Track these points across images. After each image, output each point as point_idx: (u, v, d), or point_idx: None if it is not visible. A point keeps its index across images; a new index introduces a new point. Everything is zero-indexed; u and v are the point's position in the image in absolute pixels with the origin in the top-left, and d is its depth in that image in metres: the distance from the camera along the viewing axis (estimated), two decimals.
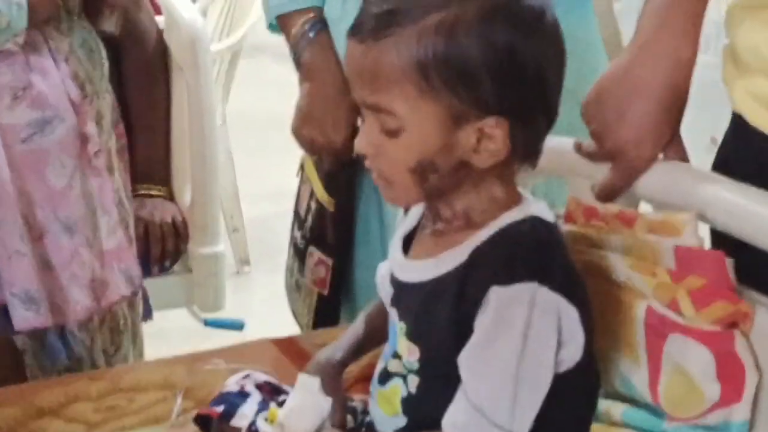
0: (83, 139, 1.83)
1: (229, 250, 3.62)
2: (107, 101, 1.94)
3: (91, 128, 1.85)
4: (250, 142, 4.30)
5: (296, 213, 2.00)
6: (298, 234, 1.98)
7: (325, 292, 1.90)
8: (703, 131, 3.13)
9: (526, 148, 1.09)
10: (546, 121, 1.10)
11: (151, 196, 2.21)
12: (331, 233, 1.89)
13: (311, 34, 1.84)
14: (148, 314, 2.13)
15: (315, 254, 1.91)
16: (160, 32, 2.27)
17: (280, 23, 1.89)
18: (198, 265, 2.34)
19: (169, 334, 2.37)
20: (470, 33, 1.04)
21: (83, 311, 1.83)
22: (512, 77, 1.05)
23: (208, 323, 2.55)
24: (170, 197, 2.30)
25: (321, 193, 1.88)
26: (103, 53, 1.93)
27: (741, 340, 1.08)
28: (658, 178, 1.22)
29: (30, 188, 1.80)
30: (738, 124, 1.28)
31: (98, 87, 1.89)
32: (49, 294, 1.80)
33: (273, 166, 4.19)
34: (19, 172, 1.78)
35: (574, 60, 1.67)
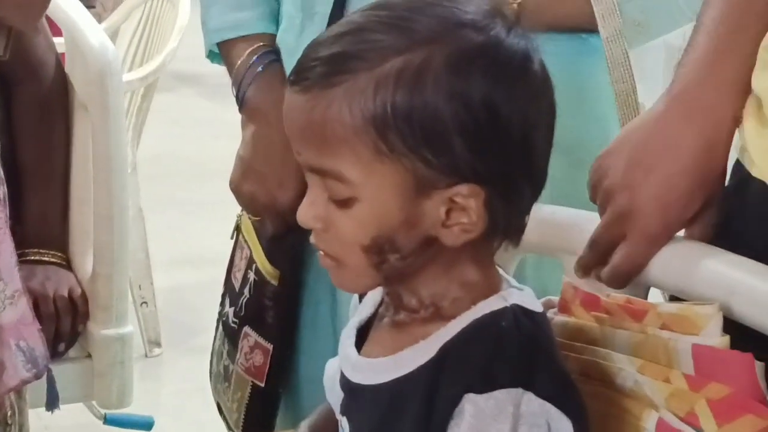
0: None
1: (137, 327, 3.61)
2: None
3: None
4: (164, 194, 4.27)
5: (228, 284, 1.99)
6: (230, 310, 1.96)
7: (262, 384, 1.88)
8: None
9: (507, 222, 1.09)
10: (531, 189, 1.11)
11: (43, 262, 2.19)
12: (272, 312, 1.87)
13: (260, 68, 1.85)
14: (53, 403, 2.12)
15: (251, 336, 1.89)
16: (59, 60, 2.27)
17: (223, 51, 1.91)
18: (99, 350, 2.32)
19: None
20: (439, 83, 1.04)
21: None
22: (490, 138, 1.05)
23: (108, 421, 2.53)
24: (67, 265, 2.29)
25: (262, 262, 1.88)
26: None
27: None
28: (675, 260, 1.23)
29: None
30: (751, 185, 1.28)
31: None
32: None
33: (193, 225, 4.20)
34: None
35: (575, 114, 1.71)
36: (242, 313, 1.92)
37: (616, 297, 1.23)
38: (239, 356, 1.91)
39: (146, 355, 3.66)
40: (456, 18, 1.06)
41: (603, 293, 1.25)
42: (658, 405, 1.16)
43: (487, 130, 1.04)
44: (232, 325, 1.94)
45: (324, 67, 1.06)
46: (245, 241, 1.94)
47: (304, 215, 1.09)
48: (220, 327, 2.00)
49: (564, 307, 1.28)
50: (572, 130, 1.72)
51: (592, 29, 1.71)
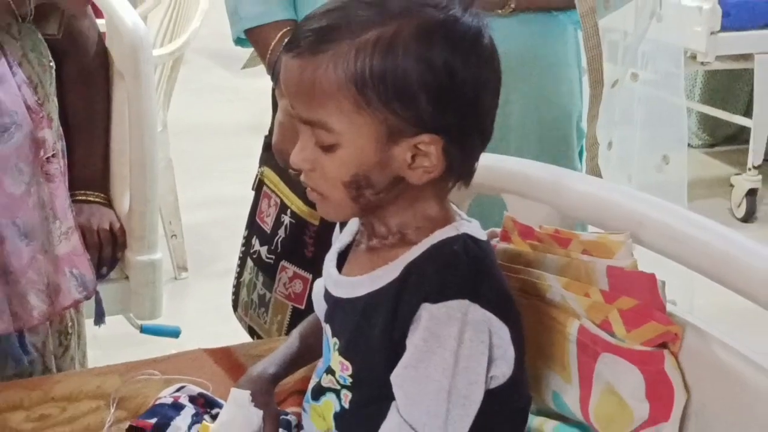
0: (38, 144, 1.81)
1: (167, 256, 3.60)
2: (54, 104, 1.92)
3: (45, 133, 1.83)
4: (189, 148, 4.23)
5: (254, 227, 1.98)
6: (262, 249, 1.95)
7: (302, 306, 1.86)
8: (654, 150, 3.11)
9: (460, 166, 1.10)
10: (481, 141, 1.11)
11: (89, 201, 2.17)
12: (312, 248, 1.85)
13: None
14: (100, 318, 2.11)
15: (290, 269, 1.88)
16: (101, 37, 2.25)
17: (252, 37, 1.88)
18: (135, 273, 2.30)
19: (104, 340, 2.33)
20: (408, 50, 1.04)
21: (40, 316, 1.81)
22: (448, 96, 1.05)
23: (144, 330, 2.52)
24: (108, 204, 2.27)
25: (302, 208, 1.85)
26: (50, 56, 1.90)
27: (670, 360, 1.09)
28: (593, 198, 1.23)
29: None
30: None
31: (48, 90, 1.87)
32: (9, 301, 1.79)
33: (212, 174, 4.18)
34: None
35: (546, 75, 1.76)
36: (278, 250, 1.90)
37: (546, 228, 1.24)
38: (277, 286, 1.90)
39: (175, 278, 3.66)
40: None
41: (536, 226, 1.26)
42: (579, 315, 1.17)
43: (445, 89, 1.04)
44: (267, 260, 1.92)
45: (314, 37, 1.06)
46: (272, 191, 1.92)
47: (295, 158, 1.10)
48: (250, 263, 1.99)
49: (504, 237, 1.29)
50: (544, 89, 1.77)
51: (566, 7, 1.72)
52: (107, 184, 2.29)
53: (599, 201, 1.23)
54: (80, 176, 2.15)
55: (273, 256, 1.91)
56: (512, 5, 1.68)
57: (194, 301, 3.55)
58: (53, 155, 1.85)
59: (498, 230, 1.30)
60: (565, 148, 1.80)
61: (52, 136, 1.86)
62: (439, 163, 1.06)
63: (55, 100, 1.91)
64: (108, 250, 2.21)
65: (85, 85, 2.16)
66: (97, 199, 2.20)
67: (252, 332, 1.99)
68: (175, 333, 2.64)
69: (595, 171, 1.75)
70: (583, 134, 1.82)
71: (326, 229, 1.76)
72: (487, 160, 1.15)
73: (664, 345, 1.10)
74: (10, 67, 1.78)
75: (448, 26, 1.06)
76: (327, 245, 1.79)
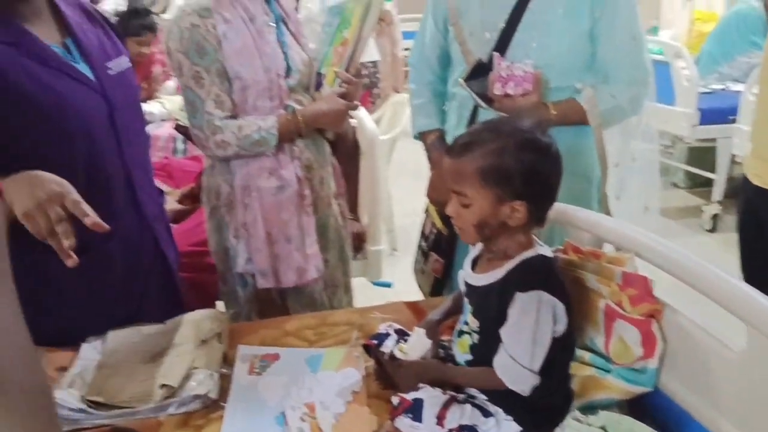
0: (301, 196, 1.65)
1: (386, 242, 3.66)
2: (328, 170, 1.77)
3: (306, 191, 1.66)
4: (401, 185, 4.28)
5: (422, 231, 1.94)
6: (423, 243, 1.92)
7: (439, 276, 1.84)
8: (640, 199, 3.08)
9: (537, 218, 1.08)
10: (549, 203, 1.08)
11: (351, 219, 2.14)
12: (444, 246, 1.82)
13: (437, 144, 1.76)
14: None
15: (434, 256, 1.85)
16: (354, 131, 2.27)
17: (421, 136, 1.81)
18: (370, 255, 2.38)
19: (355, 290, 2.37)
20: (511, 155, 1.02)
21: (290, 282, 1.68)
22: (533, 181, 1.03)
23: (374, 284, 2.58)
24: (357, 219, 2.32)
25: (440, 225, 1.82)
26: (325, 145, 1.77)
27: (656, 324, 1.07)
28: (614, 230, 1.21)
29: (274, 228, 1.64)
30: None
31: (321, 163, 1.72)
32: (275, 272, 1.68)
33: (411, 198, 4.22)
34: (267, 217, 1.63)
35: (577, 159, 1.65)
36: (431, 245, 1.87)
37: (588, 248, 1.22)
38: (429, 264, 1.87)
39: (391, 254, 3.64)
40: (518, 126, 1.07)
41: (582, 246, 1.24)
42: (605, 297, 1.15)
43: (531, 177, 1.03)
44: (425, 249, 1.90)
45: (460, 147, 1.06)
46: (430, 214, 1.88)
47: (449, 210, 1.09)
48: (418, 249, 1.93)
49: (564, 252, 1.26)
50: (576, 166, 1.67)
51: (586, 123, 1.61)
52: (357, 208, 2.34)
53: (616, 232, 1.20)
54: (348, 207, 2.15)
55: (427, 247, 1.88)
56: (553, 123, 1.53)
57: (401, 269, 3.55)
58: (309, 202, 1.70)
59: (560, 248, 1.28)
60: (588, 199, 1.69)
61: (322, 186, 1.76)
62: (525, 216, 1.05)
63: (331, 166, 1.81)
64: (359, 243, 2.28)
65: (348, 157, 2.18)
66: (352, 217, 2.22)
67: (420, 287, 1.96)
68: (388, 285, 2.70)
69: (607, 213, 1.68)
70: (599, 190, 1.71)
71: (451, 238, 1.79)
72: (555, 207, 1.12)
73: (652, 315, 1.08)
74: (291, 157, 1.64)
75: (533, 141, 1.04)
76: (452, 246, 1.81)
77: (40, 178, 1.08)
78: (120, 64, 1.35)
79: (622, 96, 1.59)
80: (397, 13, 6.05)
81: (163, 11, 4.40)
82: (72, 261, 1.07)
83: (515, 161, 1.03)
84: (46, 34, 1.24)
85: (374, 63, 5.66)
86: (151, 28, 3.39)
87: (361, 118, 2.30)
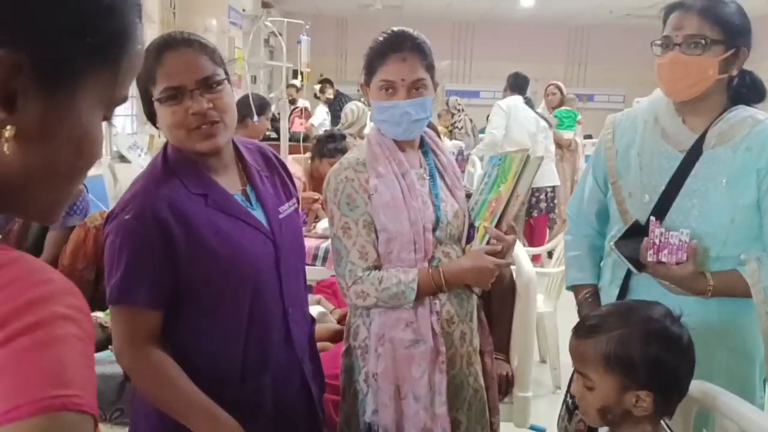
0: (437, 352, 1.59)
1: (551, 378, 3.49)
2: (471, 326, 1.68)
3: (441, 347, 1.59)
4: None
5: (569, 385, 1.70)
6: (570, 399, 1.68)
7: None
8: None
9: (665, 410, 1.04)
10: (678, 398, 1.04)
11: (498, 359, 2.09)
12: None
13: (589, 300, 1.71)
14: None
15: (579, 416, 1.48)
16: (512, 275, 2.26)
17: (574, 288, 1.77)
18: (517, 401, 2.27)
19: None
20: (636, 344, 1.02)
21: None
22: (658, 371, 1.01)
23: (529, 428, 2.39)
24: (507, 360, 2.25)
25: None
26: (472, 299, 1.69)
27: None
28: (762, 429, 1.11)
29: (404, 383, 1.59)
30: None
31: (463, 317, 1.65)
32: (399, 428, 1.61)
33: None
34: (398, 371, 1.58)
35: (736, 336, 1.53)
36: (576, 405, 1.70)
37: None
38: (572, 423, 1.64)
39: (553, 393, 3.47)
40: (647, 314, 1.05)
41: None
42: None
43: (658, 368, 1.01)
44: (571, 407, 1.67)
45: (586, 330, 1.07)
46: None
47: (573, 389, 1.08)
48: (564, 405, 1.75)
49: None
50: (736, 343, 1.54)
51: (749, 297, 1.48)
52: (508, 348, 2.28)
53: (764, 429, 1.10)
54: (499, 348, 2.09)
55: (573, 406, 1.65)
56: (709, 294, 1.46)
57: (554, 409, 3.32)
58: (444, 360, 1.61)
59: None
60: (750, 381, 1.53)
61: (463, 343, 1.69)
62: (650, 407, 1.02)
63: (476, 322, 1.73)
64: (504, 387, 2.21)
65: (503, 298, 2.19)
66: (500, 358, 2.18)
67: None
68: (543, 430, 2.57)
69: None
70: (764, 372, 1.54)
71: None
72: (708, 390, 1.07)
73: None
74: (431, 312, 1.60)
75: (661, 332, 1.03)
76: None
77: None
78: (289, 206, 1.48)
79: None
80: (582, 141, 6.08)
81: (360, 135, 4.81)
82: None
83: (640, 351, 1.02)
84: (230, 183, 1.40)
85: (553, 188, 5.68)
86: (344, 152, 3.71)
87: (519, 257, 2.27)
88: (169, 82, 1.29)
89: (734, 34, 1.51)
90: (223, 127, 1.33)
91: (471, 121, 7.71)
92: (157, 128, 1.37)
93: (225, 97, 1.33)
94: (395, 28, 1.61)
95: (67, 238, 2.73)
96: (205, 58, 1.31)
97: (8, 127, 0.49)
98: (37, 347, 0.46)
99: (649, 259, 1.52)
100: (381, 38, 1.59)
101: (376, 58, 1.57)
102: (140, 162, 4.37)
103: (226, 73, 1.36)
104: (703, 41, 1.49)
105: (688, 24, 1.51)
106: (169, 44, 1.30)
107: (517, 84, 5.43)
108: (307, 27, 3.47)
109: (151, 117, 1.36)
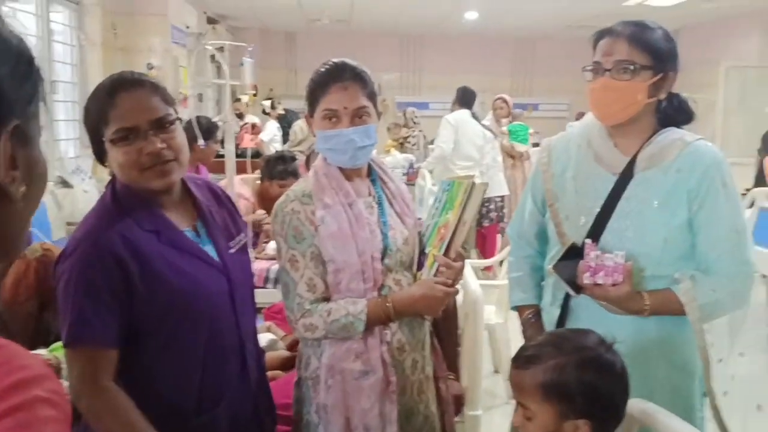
0: (387, 382, 1.57)
1: (504, 390, 3.46)
2: (423, 354, 1.67)
3: (392, 377, 1.58)
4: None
5: None
6: None
7: None
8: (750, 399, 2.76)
9: None
10: (615, 421, 1.06)
11: (449, 379, 1.98)
12: None
13: (532, 320, 1.73)
14: None
15: None
16: (456, 305, 2.26)
17: (517, 309, 1.78)
18: (467, 419, 2.25)
19: None
20: (571, 373, 1.04)
21: None
22: (594, 399, 1.02)
23: None
24: (457, 379, 2.26)
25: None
26: (423, 326, 1.67)
27: None
28: None
29: (354, 416, 1.56)
30: None
31: (414, 345, 1.64)
32: None
33: None
34: (348, 402, 1.57)
35: (674, 351, 1.55)
36: None
37: None
38: None
39: (507, 403, 3.38)
40: (581, 343, 1.07)
41: None
42: None
43: (594, 396, 1.02)
44: None
45: (524, 360, 1.08)
46: None
47: (515, 420, 1.10)
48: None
49: None
50: (675, 358, 1.57)
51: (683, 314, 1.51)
52: (457, 368, 2.29)
53: None
54: (449, 366, 2.05)
55: None
56: (646, 314, 1.49)
57: None
58: (393, 389, 1.60)
59: None
60: (689, 394, 1.56)
61: (414, 370, 1.67)
62: None
63: (428, 346, 1.72)
64: (456, 408, 2.18)
65: (449, 321, 2.22)
66: (452, 377, 2.15)
67: None
68: None
69: (716, 411, 1.53)
70: (703, 386, 1.57)
71: None
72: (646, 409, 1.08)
73: None
74: (381, 341, 1.58)
75: (595, 360, 1.05)
76: None
77: None
78: (239, 241, 1.49)
79: (722, 290, 1.52)
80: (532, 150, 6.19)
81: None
82: None
83: (575, 379, 1.03)
84: (181, 219, 1.41)
85: (502, 197, 5.77)
86: (294, 174, 3.66)
87: (465, 274, 2.21)
88: (122, 122, 1.30)
89: (662, 60, 1.55)
90: (177, 165, 1.35)
91: (425, 137, 7.77)
92: (105, 167, 1.38)
93: (178, 137, 1.35)
94: (335, 60, 1.62)
95: (7, 271, 2.63)
96: (157, 98, 1.33)
97: (23, 187, 0.58)
98: (20, 428, 0.50)
99: (586, 281, 1.53)
100: (322, 69, 1.59)
101: (317, 88, 1.58)
102: (84, 187, 4.23)
103: (176, 112, 1.38)
104: (632, 67, 1.53)
105: (617, 50, 1.55)
106: (121, 85, 1.31)
107: (465, 99, 5.61)
108: (250, 49, 3.43)
109: (100, 156, 1.36)
